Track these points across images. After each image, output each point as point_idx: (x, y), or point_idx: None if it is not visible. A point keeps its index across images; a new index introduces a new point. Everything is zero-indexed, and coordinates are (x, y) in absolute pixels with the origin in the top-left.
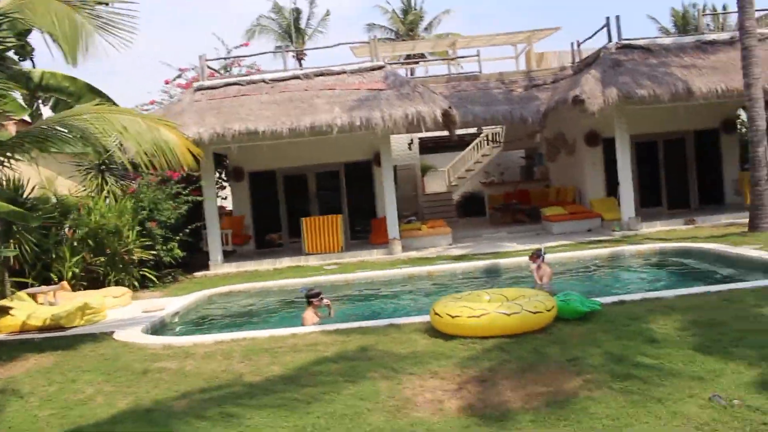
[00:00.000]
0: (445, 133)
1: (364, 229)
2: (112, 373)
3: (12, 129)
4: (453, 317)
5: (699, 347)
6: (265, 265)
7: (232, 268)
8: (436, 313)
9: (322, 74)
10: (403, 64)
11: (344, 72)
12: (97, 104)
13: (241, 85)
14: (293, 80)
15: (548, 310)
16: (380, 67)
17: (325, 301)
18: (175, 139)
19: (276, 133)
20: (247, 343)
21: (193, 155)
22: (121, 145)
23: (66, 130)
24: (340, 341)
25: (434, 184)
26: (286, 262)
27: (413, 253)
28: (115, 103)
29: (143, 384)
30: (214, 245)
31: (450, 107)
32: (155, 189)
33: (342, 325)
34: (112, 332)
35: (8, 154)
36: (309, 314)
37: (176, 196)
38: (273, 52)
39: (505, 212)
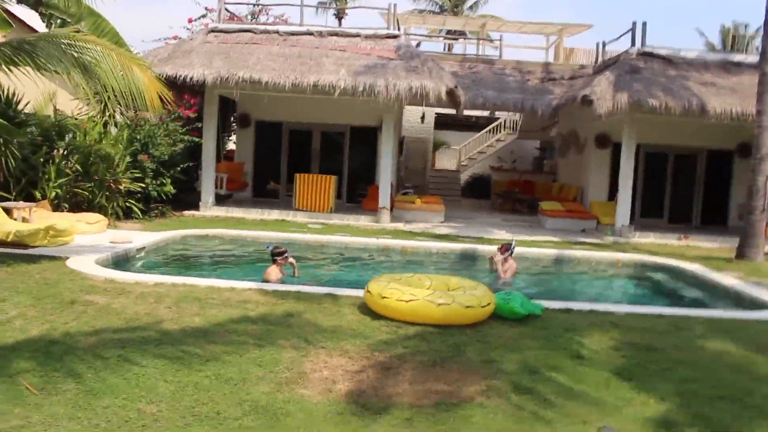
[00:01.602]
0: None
1: (362, 194)
2: (42, 298)
3: None
4: (382, 297)
5: (621, 371)
6: (254, 214)
7: (221, 211)
8: (368, 291)
9: (335, 34)
10: (444, 38)
11: (358, 35)
12: (77, 31)
13: (255, 33)
14: (306, 36)
15: (482, 306)
16: (395, 36)
17: (290, 259)
18: (145, 81)
19: (278, 86)
20: (185, 289)
21: (163, 99)
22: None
23: (39, 49)
24: (271, 303)
25: (445, 161)
26: (275, 214)
27: (400, 225)
28: (116, 32)
29: (65, 315)
30: (207, 187)
31: (456, 87)
32: (153, 124)
33: (281, 287)
34: (67, 258)
35: None
36: (273, 271)
37: (172, 133)
38: (309, 6)
39: (505, 199)
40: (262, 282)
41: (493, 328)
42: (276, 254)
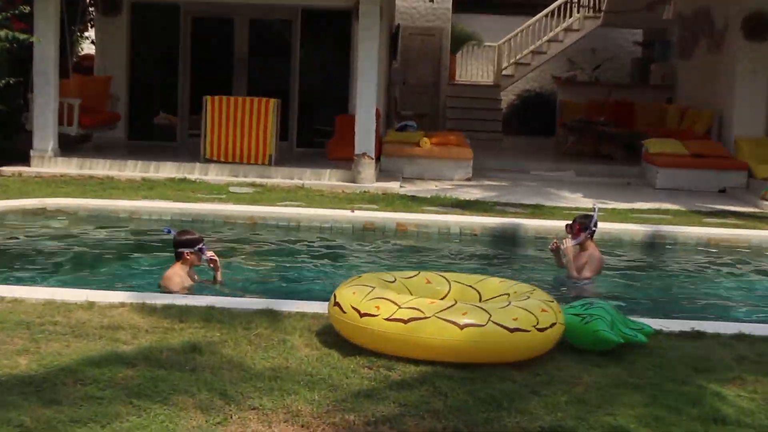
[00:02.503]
0: None
1: (325, 132)
2: None
3: None
4: (362, 315)
5: None
6: (131, 169)
7: (72, 166)
8: (337, 303)
9: None
10: None
11: None
12: None
13: None
14: None
15: (541, 329)
16: None
17: (208, 254)
18: None
19: None
20: (4, 307)
21: None
22: None
23: None
24: (163, 329)
25: (473, 69)
26: (169, 169)
27: (394, 185)
28: None
29: None
30: (44, 123)
31: None
32: None
33: (180, 301)
34: None
35: None
36: (176, 274)
37: None
38: None
39: (582, 135)
40: (160, 292)
41: (562, 368)
42: (182, 244)
